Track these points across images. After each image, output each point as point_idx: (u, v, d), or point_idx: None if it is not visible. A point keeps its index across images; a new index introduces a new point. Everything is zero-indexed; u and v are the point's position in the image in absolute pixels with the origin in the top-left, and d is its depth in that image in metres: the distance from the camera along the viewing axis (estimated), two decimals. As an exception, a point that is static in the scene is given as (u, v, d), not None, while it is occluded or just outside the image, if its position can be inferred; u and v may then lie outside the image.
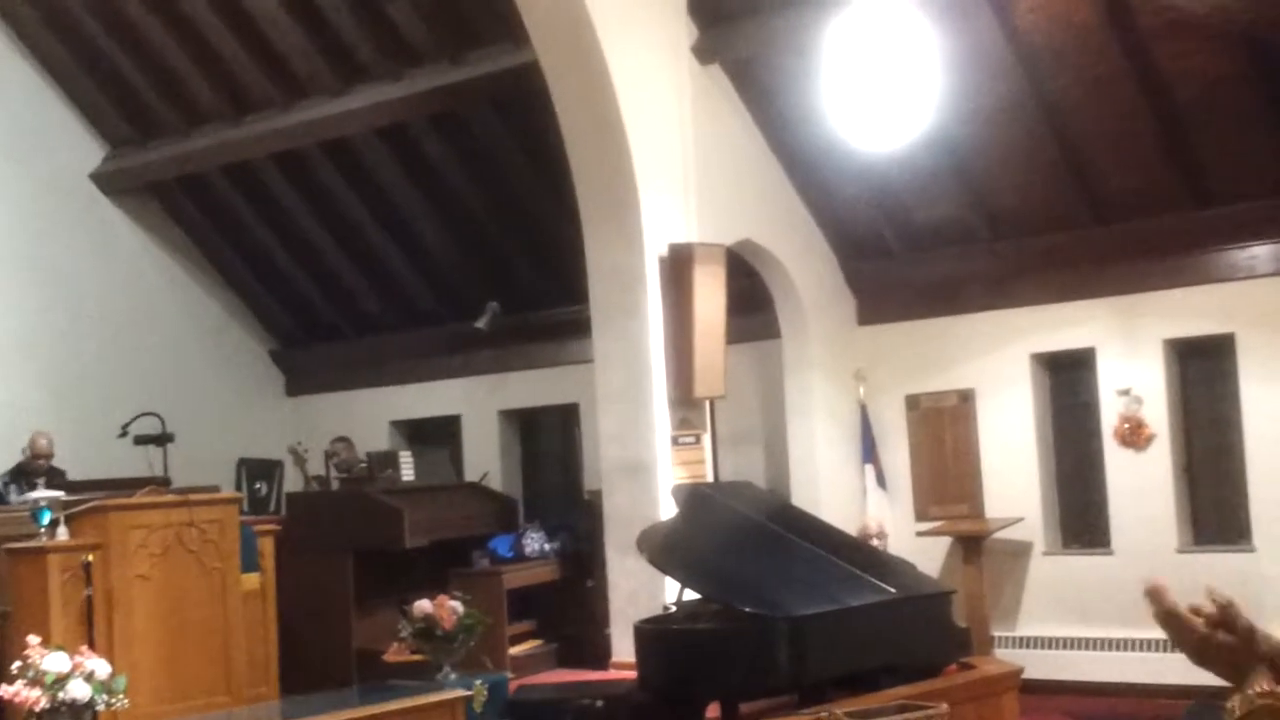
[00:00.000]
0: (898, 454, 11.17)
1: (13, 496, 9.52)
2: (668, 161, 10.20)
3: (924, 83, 8.31)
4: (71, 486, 9.29)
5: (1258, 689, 2.12)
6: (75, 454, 10.67)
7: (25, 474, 10.16)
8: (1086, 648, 10.18)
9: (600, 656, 10.05)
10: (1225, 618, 2.16)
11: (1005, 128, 9.96)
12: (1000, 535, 10.45)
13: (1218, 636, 2.14)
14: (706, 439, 10.30)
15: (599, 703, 7.82)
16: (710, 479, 10.21)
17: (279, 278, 14.34)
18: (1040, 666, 9.76)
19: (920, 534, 10.68)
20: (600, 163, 10.06)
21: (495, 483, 12.46)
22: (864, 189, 10.84)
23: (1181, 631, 2.19)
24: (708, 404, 10.32)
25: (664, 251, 10.04)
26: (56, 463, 10.41)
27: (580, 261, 10.29)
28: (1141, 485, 10.09)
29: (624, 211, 10.03)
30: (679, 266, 10.01)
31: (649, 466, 9.87)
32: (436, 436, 13.58)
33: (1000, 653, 10.05)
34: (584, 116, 10.00)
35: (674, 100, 10.28)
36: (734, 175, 10.70)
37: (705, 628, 7.97)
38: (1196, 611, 2.20)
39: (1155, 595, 2.19)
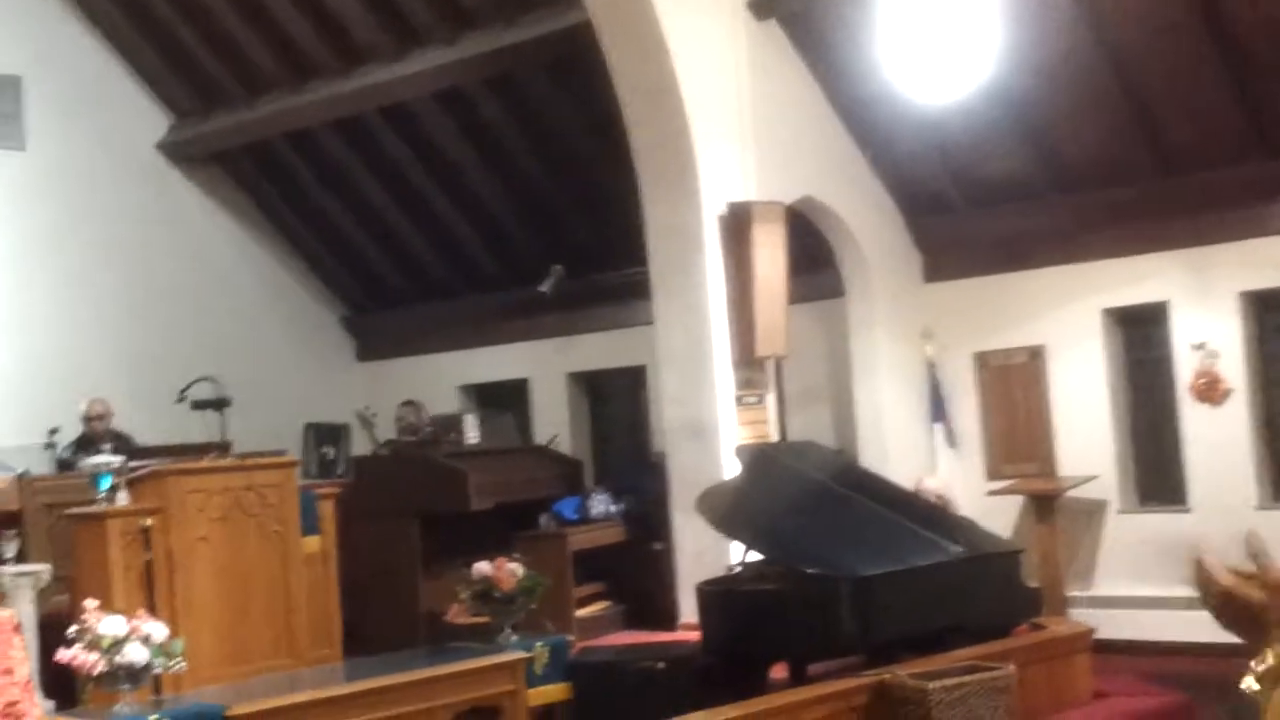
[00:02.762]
0: (967, 412, 11.00)
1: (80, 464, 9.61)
2: (725, 119, 10.06)
3: (984, 33, 8.12)
4: (136, 452, 9.36)
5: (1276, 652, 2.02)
6: (149, 423, 10.77)
7: (89, 441, 10.26)
8: (1163, 607, 9.94)
9: (668, 618, 10.00)
10: (1259, 566, 2.07)
11: (1069, 79, 9.72)
12: (1074, 494, 10.26)
13: (1244, 591, 2.05)
14: (770, 399, 10.20)
15: (660, 664, 7.74)
16: (775, 439, 10.10)
17: (346, 244, 14.40)
18: (1116, 627, 9.54)
19: (991, 493, 10.51)
20: (656, 122, 9.95)
21: (564, 445, 12.44)
22: (926, 143, 10.64)
23: (1208, 585, 2.10)
24: (771, 363, 10.21)
25: (722, 210, 9.92)
26: (126, 429, 10.52)
27: (642, 222, 10.20)
28: (1219, 441, 9.85)
29: (681, 171, 9.93)
30: (738, 225, 9.89)
31: (711, 427, 9.79)
32: (505, 400, 13.59)
33: (1075, 613, 9.87)
34: (639, 76, 9.90)
35: (730, 57, 10.13)
36: (793, 132, 10.54)
37: (768, 588, 7.87)
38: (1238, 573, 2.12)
39: (1198, 564, 2.13)
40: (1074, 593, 10.24)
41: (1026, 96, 9.95)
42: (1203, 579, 2.11)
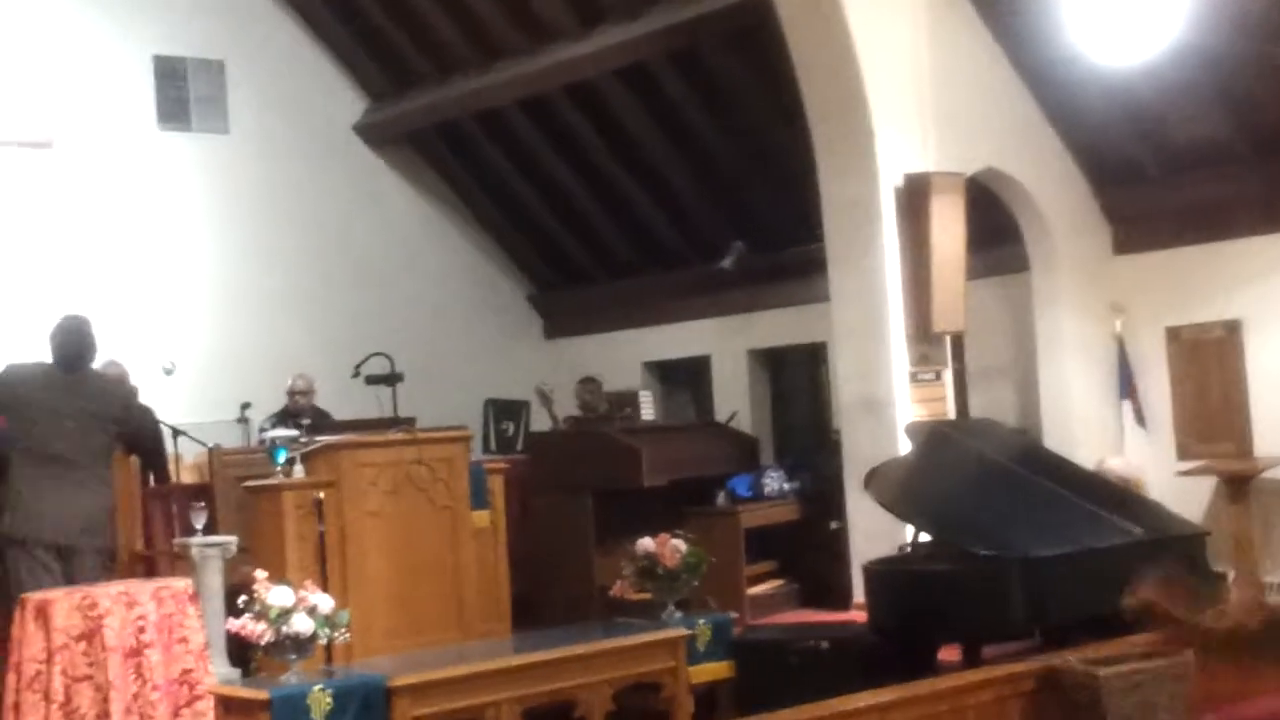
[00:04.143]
0: (1158, 390, 10.59)
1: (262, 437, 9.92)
2: (903, 89, 9.88)
3: (1170, -9, 7.80)
4: (328, 427, 9.61)
5: None
6: (343, 399, 11.05)
7: (290, 415, 10.57)
8: (1367, 594, 9.47)
9: (842, 598, 9.91)
10: None
11: (1267, 35, 9.24)
12: (1270, 475, 9.81)
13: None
14: (947, 375, 10.00)
15: (824, 644, 7.67)
16: (952, 416, 9.90)
17: (533, 222, 14.58)
18: (1315, 614, 9.12)
19: (1182, 474, 10.09)
20: (833, 93, 9.84)
21: (743, 422, 12.39)
22: (1116, 109, 10.26)
23: None
24: (948, 339, 10.01)
25: (899, 182, 9.74)
26: (325, 406, 10.83)
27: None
28: None
29: (858, 143, 9.79)
30: (915, 197, 9.71)
31: (887, 404, 9.65)
32: (687, 377, 13.60)
33: (1274, 600, 9.45)
34: (816, 46, 9.79)
35: (909, 24, 9.93)
36: (975, 100, 10.28)
37: (937, 568, 7.75)
38: None
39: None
40: (1270, 579, 9.80)
41: (1220, 56, 9.49)
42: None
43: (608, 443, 10.36)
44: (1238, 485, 9.76)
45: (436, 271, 14.43)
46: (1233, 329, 10.25)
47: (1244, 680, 7.28)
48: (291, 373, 10.87)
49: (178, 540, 8.10)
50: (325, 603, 6.41)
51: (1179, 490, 9.68)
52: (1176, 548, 7.81)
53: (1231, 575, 8.61)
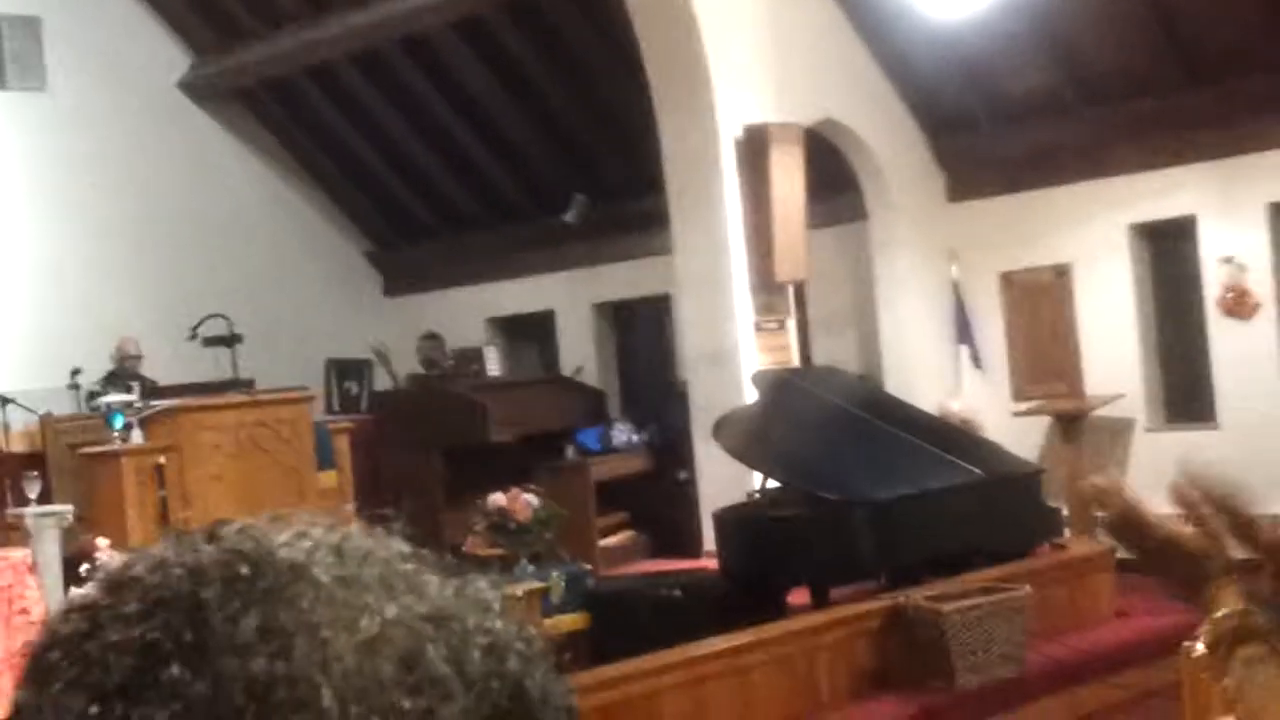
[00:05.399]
0: (993, 333, 10.87)
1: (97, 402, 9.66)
2: (741, 41, 9.91)
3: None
4: (159, 391, 9.39)
5: (1225, 610, 1.89)
6: (173, 362, 10.79)
7: (118, 379, 10.29)
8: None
9: (693, 547, 9.99)
10: (1225, 509, 1.92)
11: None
12: (1101, 413, 10.13)
13: (1182, 538, 1.90)
14: (791, 324, 10.11)
15: (677, 592, 7.74)
16: (796, 364, 10.03)
17: (369, 179, 14.34)
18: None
19: (1017, 414, 10.39)
20: (671, 45, 9.83)
21: (590, 377, 12.40)
22: (949, 60, 10.45)
23: (1140, 531, 1.95)
24: (791, 289, 10.11)
25: (739, 134, 9.79)
26: (151, 371, 10.56)
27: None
28: (1248, 356, 9.68)
29: (696, 94, 9.81)
30: (755, 148, 9.77)
31: (731, 354, 9.72)
32: (532, 332, 13.54)
33: (1103, 533, 9.78)
34: (654, -2, 9.76)
35: (746, -25, 9.96)
36: (811, 52, 10.37)
37: (786, 514, 7.86)
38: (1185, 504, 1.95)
39: (1106, 493, 1.96)
40: (1100, 513, 10.12)
41: (1049, 7, 9.72)
42: (1132, 525, 1.94)
43: (453, 399, 10.30)
44: (1070, 423, 10.07)
45: (271, 231, 14.11)
46: (1062, 272, 10.55)
47: (1077, 611, 7.56)
48: (121, 337, 10.56)
49: (11, 510, 7.84)
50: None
51: (1015, 430, 9.94)
52: (1014, 486, 8.03)
53: (1065, 510, 8.87)
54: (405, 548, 0.72)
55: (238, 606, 0.65)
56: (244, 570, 0.66)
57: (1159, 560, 1.92)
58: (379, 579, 0.68)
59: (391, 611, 0.66)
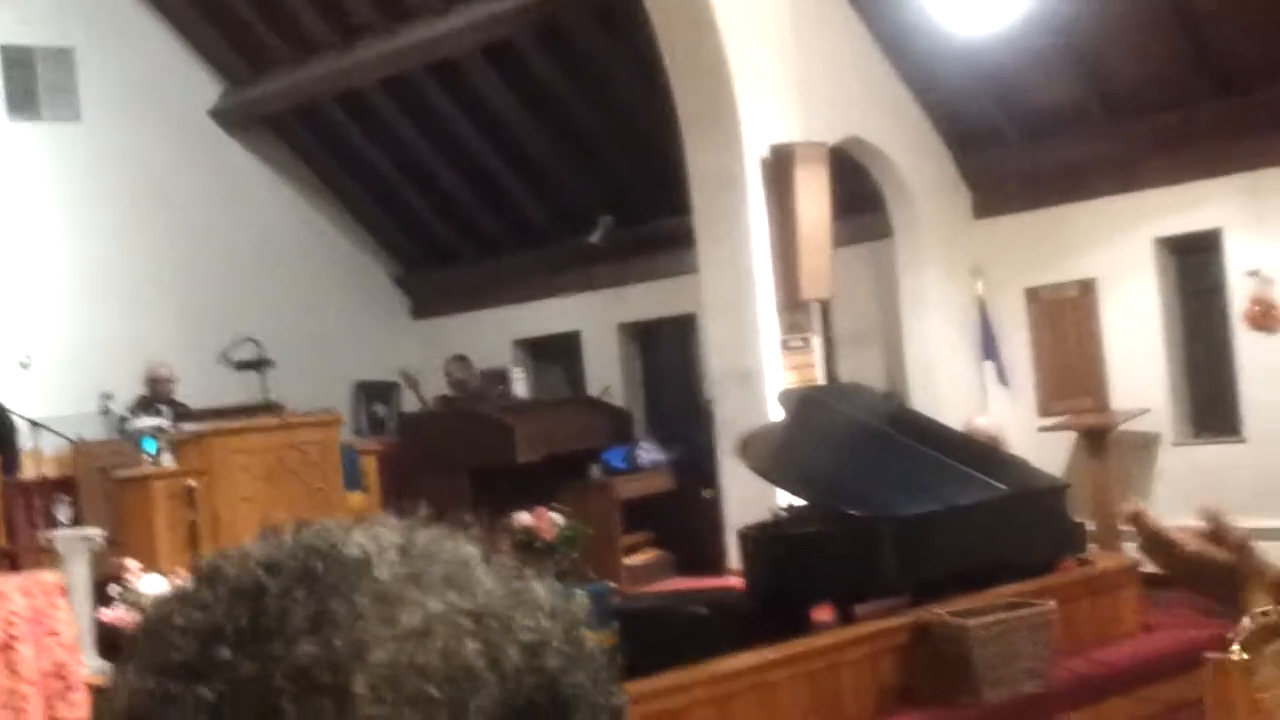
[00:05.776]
0: (1019, 349, 10.86)
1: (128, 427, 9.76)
2: (766, 60, 9.96)
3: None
4: (190, 415, 9.49)
5: (1259, 609, 1.96)
6: (205, 387, 10.90)
7: (150, 403, 10.40)
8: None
9: (717, 565, 10.00)
10: (1217, 530, 2.00)
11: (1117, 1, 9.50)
12: (1127, 428, 10.11)
13: (1209, 553, 1.98)
14: (817, 342, 10.14)
15: (703, 609, 7.75)
16: (822, 382, 10.05)
17: (397, 203, 14.46)
18: (1173, 561, 9.41)
19: (1043, 429, 10.37)
20: (696, 65, 9.88)
21: (617, 396, 12.44)
22: (974, 76, 10.47)
23: (1170, 551, 2.03)
24: (817, 307, 10.15)
25: (765, 153, 9.84)
26: (183, 395, 10.66)
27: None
28: (1275, 369, 9.65)
29: (722, 114, 9.86)
30: (780, 168, 9.81)
31: (757, 373, 9.75)
32: (558, 353, 13.61)
33: (1130, 548, 9.74)
34: (678, 17, 9.84)
35: (769, -4, 10.02)
36: (837, 71, 10.41)
37: (809, 531, 7.86)
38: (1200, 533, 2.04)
39: (1136, 518, 2.05)
40: (1126, 527, 10.09)
41: (1074, 21, 9.73)
42: (1161, 546, 2.04)
43: (480, 420, 10.35)
44: (1096, 439, 10.06)
45: (300, 255, 14.24)
46: (1088, 288, 10.54)
47: (1102, 626, 7.54)
48: (152, 362, 10.67)
49: (44, 533, 7.94)
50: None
51: (1041, 446, 9.92)
52: (1039, 501, 8.02)
53: (1091, 525, 8.85)
54: (473, 549, 0.76)
55: (296, 597, 0.70)
56: (313, 564, 0.71)
57: (1192, 574, 2.01)
58: (441, 578, 0.72)
59: (436, 607, 0.70)
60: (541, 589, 0.76)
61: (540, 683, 0.71)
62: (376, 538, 0.74)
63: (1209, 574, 1.98)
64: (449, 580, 0.72)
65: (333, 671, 0.68)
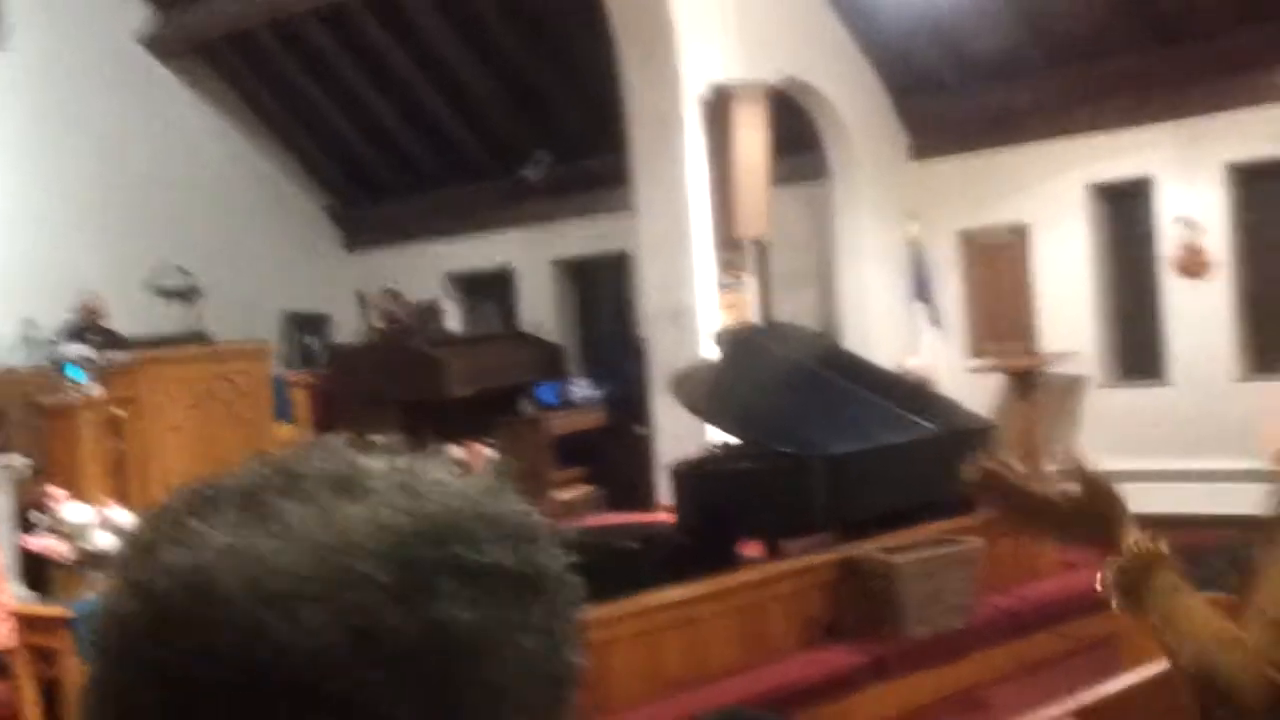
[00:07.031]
0: (950, 291, 10.94)
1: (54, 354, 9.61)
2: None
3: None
4: (122, 344, 9.36)
5: (1114, 558, 1.99)
6: (130, 315, 10.77)
7: (80, 332, 10.25)
8: (1145, 480, 9.91)
9: (648, 501, 10.05)
10: (1079, 475, 2.03)
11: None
12: (1054, 370, 10.22)
13: (1081, 499, 2.02)
14: (751, 281, 10.16)
15: (634, 544, 7.78)
16: (756, 321, 10.08)
17: (331, 135, 14.30)
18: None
19: (973, 371, 10.47)
20: (637, 3, 9.80)
21: (550, 333, 12.41)
22: (914, 19, 10.47)
23: (1034, 503, 2.07)
24: (752, 246, 10.16)
25: (703, 92, 9.80)
26: (114, 321, 10.51)
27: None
28: (1200, 315, 9.79)
29: (661, 52, 9.81)
30: (719, 107, 9.79)
31: (693, 311, 9.76)
32: (492, 289, 13.55)
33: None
34: (618, -48, 9.75)
35: (709, -69, 9.96)
36: (776, 10, 10.39)
37: (741, 467, 7.91)
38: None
39: (992, 476, 2.08)
40: (1052, 468, 10.23)
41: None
42: (1022, 499, 2.07)
43: (411, 354, 10.30)
44: (1024, 381, 10.16)
45: (231, 186, 14.04)
46: (1021, 232, 10.62)
47: (1024, 563, 7.66)
48: (79, 290, 10.51)
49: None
50: (125, 518, 6.29)
51: (970, 387, 10.02)
52: (966, 441, 8.09)
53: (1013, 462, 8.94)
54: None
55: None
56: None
57: (1061, 526, 2.04)
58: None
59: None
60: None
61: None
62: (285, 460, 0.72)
63: (1078, 520, 2.01)
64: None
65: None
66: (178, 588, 0.66)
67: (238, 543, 0.66)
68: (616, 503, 10.62)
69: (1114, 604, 2.04)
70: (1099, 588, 2.07)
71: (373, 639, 0.64)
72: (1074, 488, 2.05)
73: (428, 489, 0.70)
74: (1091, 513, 2.05)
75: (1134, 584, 2.01)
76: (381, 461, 0.72)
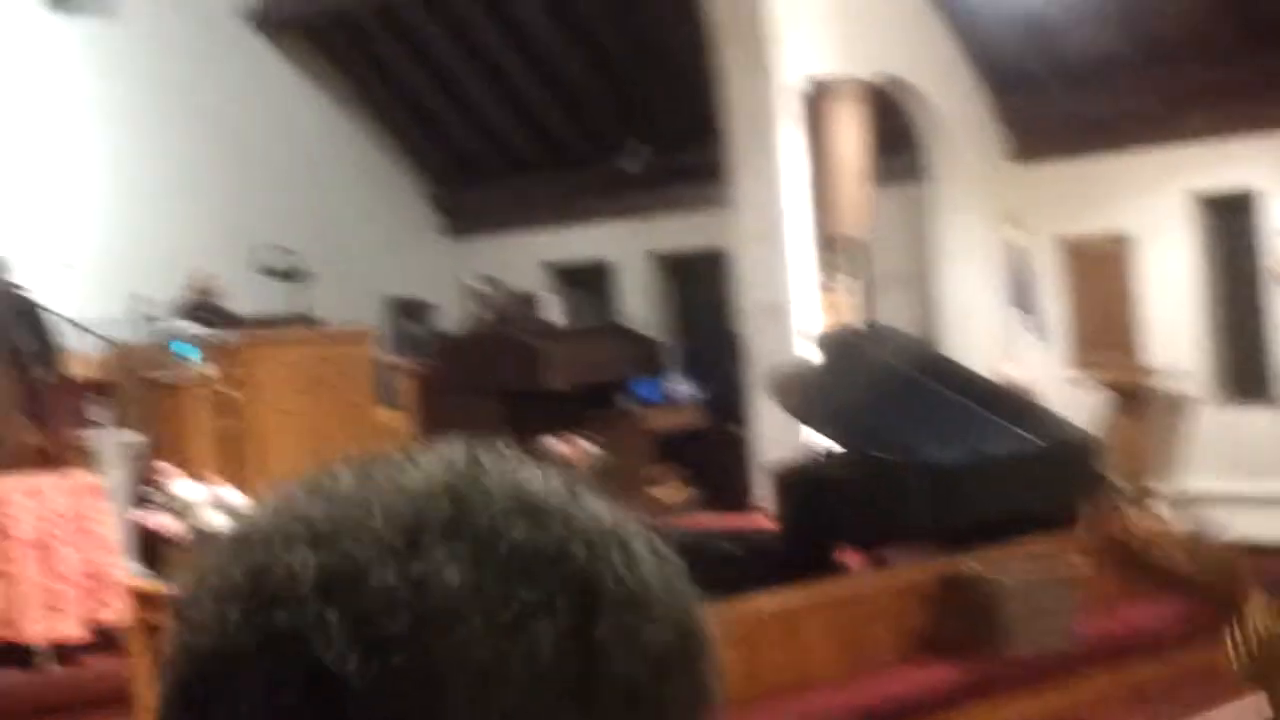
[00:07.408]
0: (1049, 298, 10.80)
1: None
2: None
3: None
4: (232, 323, 9.47)
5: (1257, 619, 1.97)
6: (237, 296, 10.86)
7: (193, 310, 10.35)
8: (1251, 504, 9.73)
9: (742, 502, 10.04)
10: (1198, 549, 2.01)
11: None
12: (1158, 385, 10.08)
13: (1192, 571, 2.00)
14: (851, 281, 10.10)
15: (732, 547, 7.78)
16: (855, 322, 10.03)
17: (432, 119, 14.36)
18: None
19: (1073, 382, 10.35)
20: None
21: (649, 328, 12.38)
22: (1015, 19, 10.36)
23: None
24: (853, 246, 10.10)
25: (801, 87, 9.74)
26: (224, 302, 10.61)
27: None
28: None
29: (759, 45, 9.76)
30: (818, 103, 9.73)
31: (789, 311, 9.73)
32: (588, 280, 13.55)
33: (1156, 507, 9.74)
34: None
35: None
36: (876, 6, 10.30)
37: (843, 474, 7.88)
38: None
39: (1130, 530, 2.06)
40: (1155, 486, 10.10)
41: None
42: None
43: (509, 344, 10.34)
44: (1127, 395, 10.03)
45: (333, 167, 14.13)
46: (1124, 240, 10.48)
47: (1128, 584, 7.58)
48: (188, 268, 10.63)
49: (83, 433, 7.96)
50: (235, 496, 6.37)
51: (1069, 398, 9.90)
52: (1070, 455, 8.03)
53: (1119, 482, 8.85)
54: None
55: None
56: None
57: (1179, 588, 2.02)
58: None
59: None
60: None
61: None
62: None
63: (1198, 592, 2.00)
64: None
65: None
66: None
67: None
68: (709, 502, 10.61)
69: (1242, 677, 2.04)
70: (1228, 657, 2.06)
71: (344, 581, 0.61)
72: (1194, 559, 2.03)
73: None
74: (1212, 583, 2.04)
75: (1261, 669, 2.01)
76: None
